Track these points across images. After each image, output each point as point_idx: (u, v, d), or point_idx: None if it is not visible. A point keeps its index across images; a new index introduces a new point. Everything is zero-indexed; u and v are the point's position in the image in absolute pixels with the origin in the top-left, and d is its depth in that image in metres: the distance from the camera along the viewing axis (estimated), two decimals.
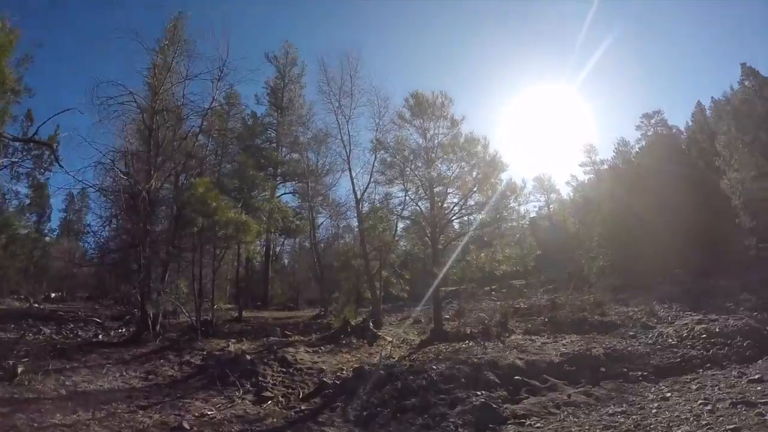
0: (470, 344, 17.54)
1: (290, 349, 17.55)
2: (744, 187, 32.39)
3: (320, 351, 18.06)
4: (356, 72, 25.76)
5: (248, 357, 16.37)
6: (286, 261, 57.12)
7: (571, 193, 59.96)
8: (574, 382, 12.81)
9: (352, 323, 21.94)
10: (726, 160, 36.26)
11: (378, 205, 24.42)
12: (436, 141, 21.23)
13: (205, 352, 18.15)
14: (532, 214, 53.69)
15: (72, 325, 23.18)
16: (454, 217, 21.72)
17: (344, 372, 14.96)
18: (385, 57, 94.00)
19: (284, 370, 15.28)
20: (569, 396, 11.64)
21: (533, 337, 18.55)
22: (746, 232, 31.15)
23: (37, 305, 29.28)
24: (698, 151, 44.14)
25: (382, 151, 22.74)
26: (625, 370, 13.67)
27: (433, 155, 21.25)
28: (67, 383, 13.69)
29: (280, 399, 13.18)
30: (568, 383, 12.73)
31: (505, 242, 21.20)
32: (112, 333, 22.55)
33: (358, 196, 25.32)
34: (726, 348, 14.89)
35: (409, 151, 21.67)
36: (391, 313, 30.08)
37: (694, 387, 11.77)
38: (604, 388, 12.32)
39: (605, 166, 53.38)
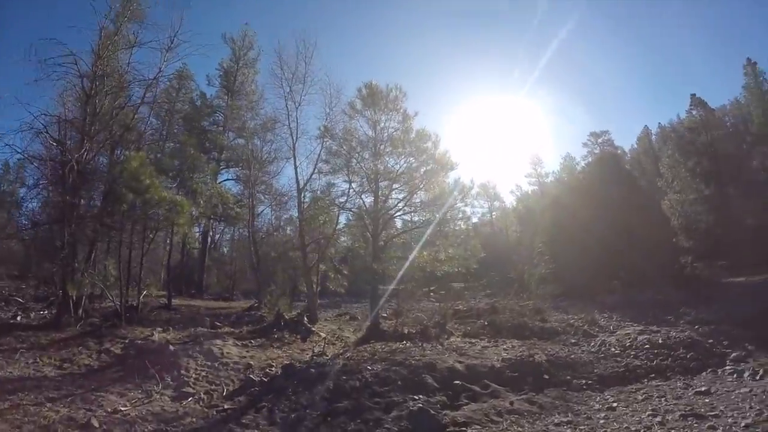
0: (408, 345, 17.00)
1: (218, 342, 16.58)
2: (683, 209, 34.01)
3: (250, 345, 17.19)
4: (311, 58, 24.54)
5: (172, 348, 15.34)
6: (225, 250, 55.73)
7: (515, 203, 61.37)
8: (517, 389, 12.36)
9: (286, 317, 21.07)
10: (668, 181, 38.34)
11: (320, 194, 23.26)
12: (386, 134, 20.59)
13: (127, 341, 16.97)
14: (475, 220, 54.30)
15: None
16: (397, 214, 21.07)
17: (273, 369, 14.17)
18: (341, 52, 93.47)
19: (209, 364, 14.34)
20: (512, 403, 11.16)
21: (473, 340, 18.14)
22: (683, 251, 32.51)
23: None
24: (641, 171, 46.12)
25: (329, 140, 21.81)
26: (569, 377, 13.40)
27: (381, 147, 20.58)
28: None
29: (202, 396, 12.28)
30: (510, 390, 12.27)
31: (448, 243, 20.62)
32: (33, 315, 20.93)
33: (301, 186, 24.40)
34: (669, 359, 14.85)
35: (356, 141, 20.92)
36: (327, 309, 29.41)
37: (640, 397, 11.59)
38: (547, 395, 11.93)
39: (550, 179, 54.88)
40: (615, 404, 11.12)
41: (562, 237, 28.76)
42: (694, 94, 41.05)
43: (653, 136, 61.13)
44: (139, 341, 16.77)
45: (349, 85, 50.12)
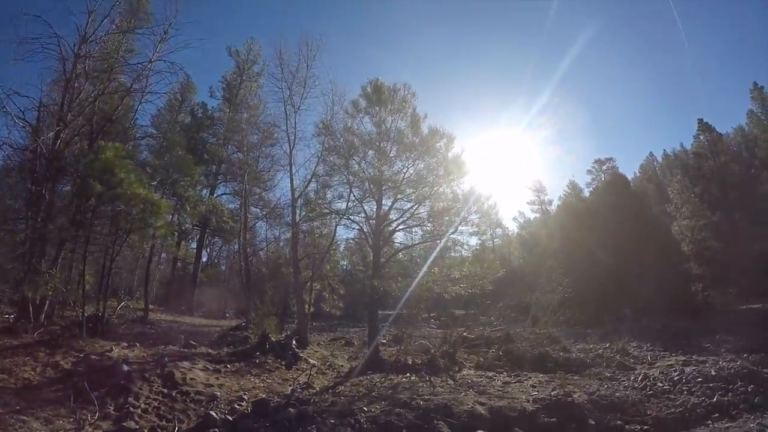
0: (413, 378, 14.03)
1: (185, 364, 13.48)
2: (693, 235, 32.76)
3: (224, 370, 14.09)
4: (314, 60, 22.39)
5: (126, 368, 12.22)
6: (223, 267, 53.17)
7: (517, 230, 58.95)
8: None
9: (273, 339, 17.93)
10: (677, 207, 36.72)
11: (315, 197, 19.91)
12: (392, 134, 17.58)
13: (82, 355, 13.97)
14: (476, 247, 51.66)
15: None
16: (400, 227, 17.88)
17: (243, 403, 11.01)
18: (344, 59, 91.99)
19: (166, 391, 11.25)
20: None
21: (489, 374, 15.21)
22: (694, 277, 31.22)
23: None
24: (645, 198, 43.92)
25: (328, 138, 18.71)
26: (620, 422, 10.41)
27: (386, 147, 17.56)
28: None
29: None
30: None
31: (459, 260, 17.57)
32: None
33: (296, 195, 21.57)
34: (730, 394, 12.13)
35: (359, 139, 17.83)
36: (321, 332, 26.30)
37: None
38: None
39: (553, 207, 52.87)
40: None
41: (569, 263, 26.19)
42: (701, 119, 40.18)
43: (656, 163, 58.60)
44: (95, 356, 13.73)
45: (352, 90, 48.05)
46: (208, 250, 48.48)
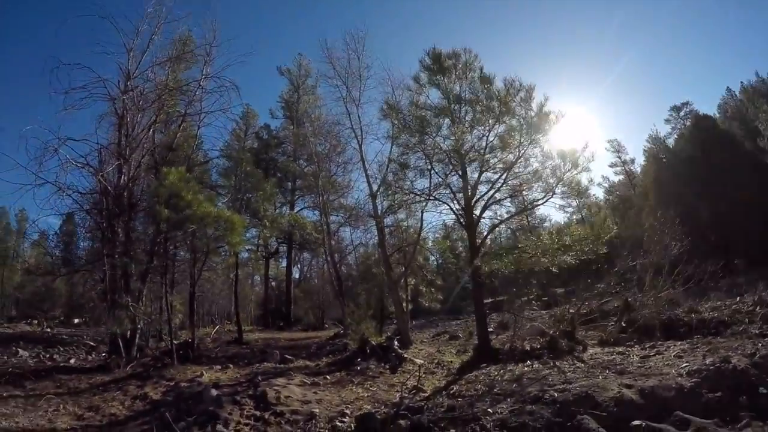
0: (536, 366, 11.77)
1: (280, 381, 11.96)
2: None
3: (323, 382, 12.45)
4: (363, 51, 21.38)
5: (214, 392, 10.77)
6: (315, 280, 52.70)
7: (603, 195, 54.37)
8: (734, 419, 6.85)
9: (373, 342, 16.21)
10: None
11: (393, 179, 17.68)
12: (463, 101, 15.16)
13: (172, 383, 12.97)
14: (563, 220, 48.42)
15: (60, 348, 19.32)
16: (492, 198, 15.38)
17: (346, 419, 9.17)
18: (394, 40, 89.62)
19: (258, 414, 9.62)
20: None
21: (618, 349, 12.71)
22: None
23: (49, 330, 25.58)
24: (735, 134, 38.96)
25: (396, 118, 16.54)
26: None
27: (460, 114, 15.30)
28: None
29: None
30: (722, 422, 6.75)
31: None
32: (91, 357, 18.17)
33: (374, 190, 19.82)
34: None
35: (429, 112, 15.65)
36: (423, 329, 24.35)
37: None
38: None
39: (636, 166, 48.75)
40: None
41: (670, 220, 22.94)
42: None
43: (736, 99, 52.21)
44: (184, 384, 12.57)
45: (411, 68, 46.12)
46: (298, 266, 48.43)
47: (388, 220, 20.64)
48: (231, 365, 15.07)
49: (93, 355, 18.19)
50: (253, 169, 24.16)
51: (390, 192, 17.35)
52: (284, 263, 43.92)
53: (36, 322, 29.98)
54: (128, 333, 16.29)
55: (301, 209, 40.44)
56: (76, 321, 31.75)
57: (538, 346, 14.23)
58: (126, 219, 17.48)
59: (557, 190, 14.43)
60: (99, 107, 18.35)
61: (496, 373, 11.65)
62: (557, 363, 11.70)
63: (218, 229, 16.20)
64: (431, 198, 15.96)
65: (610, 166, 52.89)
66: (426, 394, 10.78)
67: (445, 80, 15.43)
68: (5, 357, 16.99)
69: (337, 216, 32.40)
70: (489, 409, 8.09)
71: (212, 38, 20.29)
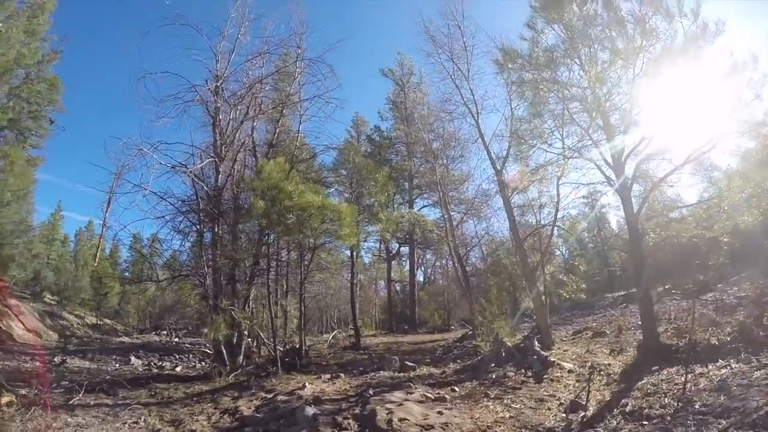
0: (736, 366, 8.18)
1: (396, 395, 9.22)
2: None
3: (449, 396, 9.51)
4: (463, 18, 18.05)
5: (311, 411, 8.28)
6: (440, 281, 50.08)
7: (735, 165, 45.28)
8: None
9: (508, 344, 12.98)
10: None
11: (521, 132, 14.00)
12: (594, 35, 11.41)
13: (271, 395, 10.84)
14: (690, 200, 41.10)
15: (175, 356, 19.30)
16: (644, 154, 11.33)
17: None
18: None
19: None
20: None
21: None
22: None
23: (177, 339, 25.23)
24: None
25: (514, 65, 13.09)
26: None
27: (592, 51, 11.54)
28: (54, 424, 8.54)
29: None
30: None
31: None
32: (201, 365, 17.26)
33: (498, 167, 16.56)
34: None
35: (556, 53, 11.96)
36: (556, 328, 20.46)
37: None
38: None
39: None
40: None
41: None
42: None
43: None
44: (283, 396, 10.28)
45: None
46: (422, 268, 46.18)
47: (517, 199, 17.26)
48: (342, 374, 12.65)
49: (203, 364, 16.86)
50: (364, 160, 21.81)
51: (520, 154, 14.01)
52: (407, 266, 41.86)
53: (165, 332, 30.40)
54: (234, 340, 14.57)
55: (421, 208, 38.78)
56: (205, 331, 31.70)
57: (728, 339, 10.25)
58: (229, 221, 15.90)
59: (731, 128, 10.25)
60: (192, 113, 17.21)
61: (681, 378, 8.00)
62: (758, 359, 7.94)
63: (325, 221, 13.88)
64: (571, 155, 12.37)
65: (738, 132, 44.00)
66: (590, 413, 7.48)
67: (564, 16, 11.82)
68: (117, 365, 16.49)
69: (458, 211, 29.62)
70: None
71: (301, 29, 18.39)
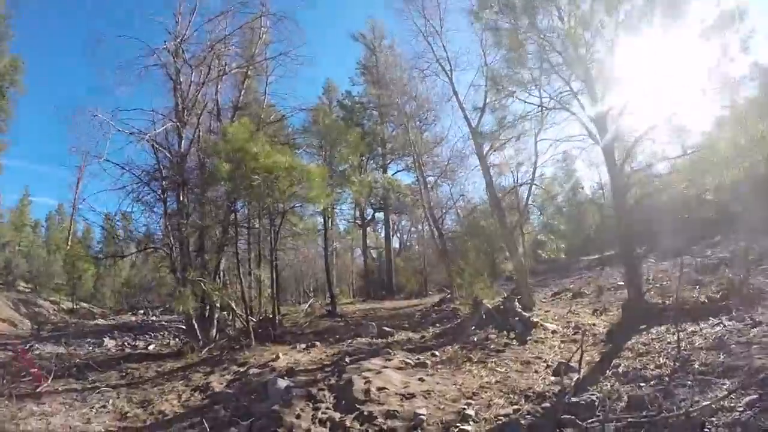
0: (729, 324, 7.91)
1: (374, 363, 8.67)
2: None
3: (430, 362, 8.96)
4: None
5: (283, 384, 7.69)
6: (416, 246, 49.76)
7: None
8: None
9: (488, 305, 12.49)
10: None
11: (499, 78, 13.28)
12: None
13: (243, 369, 10.23)
14: None
15: (150, 335, 18.22)
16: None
17: (470, 426, 5.60)
18: None
19: (338, 417, 6.40)
20: None
21: None
22: None
23: (154, 318, 25.33)
24: None
25: (489, 15, 12.32)
26: None
27: None
28: (20, 414, 8.17)
29: None
30: None
31: None
32: (174, 342, 16.38)
33: (473, 125, 15.86)
34: None
35: None
36: (537, 289, 20.12)
37: None
38: None
39: None
40: None
41: None
42: None
43: None
44: (256, 369, 9.69)
45: None
46: (398, 235, 45.57)
47: (493, 158, 16.58)
48: (318, 343, 12.00)
49: (177, 340, 16.15)
50: (334, 121, 20.76)
51: (497, 106, 13.31)
52: (383, 233, 41.31)
53: (141, 312, 29.43)
54: (207, 313, 13.83)
55: (395, 173, 37.40)
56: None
57: (718, 296, 9.93)
58: (196, 189, 14.95)
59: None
60: (153, 79, 15.88)
61: (672, 337, 7.60)
62: (752, 316, 7.63)
63: (293, 183, 13.02)
64: (552, 106, 11.72)
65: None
66: (581, 376, 7.02)
67: None
68: (90, 348, 15.65)
69: (433, 174, 28.92)
70: (700, 400, 4.28)
71: None
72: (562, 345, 9.48)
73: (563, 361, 7.71)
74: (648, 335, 8.51)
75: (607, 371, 7.12)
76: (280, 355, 10.38)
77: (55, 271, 32.70)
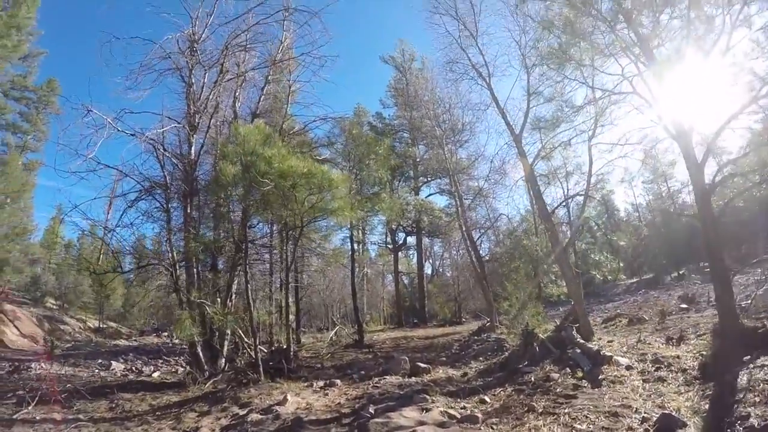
0: None
1: (407, 415, 6.55)
2: None
3: (481, 413, 6.74)
4: None
5: None
6: (448, 273, 47.63)
7: None
8: None
9: (541, 336, 10.14)
10: None
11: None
12: None
13: (243, 412, 8.15)
14: None
15: (163, 360, 17.57)
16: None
17: None
18: None
19: None
20: None
21: None
22: None
23: (178, 341, 23.42)
24: None
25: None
26: None
27: None
28: None
29: None
30: None
31: None
32: (182, 369, 14.61)
33: (516, 132, 13.73)
34: None
35: None
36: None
37: None
38: None
39: None
40: None
41: None
42: None
43: None
44: (257, 414, 7.64)
45: None
46: (430, 261, 43.60)
47: (540, 166, 14.42)
48: (339, 381, 9.87)
49: (185, 369, 14.32)
50: (361, 131, 18.90)
51: (553, 93, 11.18)
52: (414, 258, 39.42)
53: (165, 334, 28.65)
54: (216, 340, 11.86)
55: (428, 196, 36.88)
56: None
57: None
58: (207, 200, 13.21)
59: None
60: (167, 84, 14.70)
61: None
62: None
63: (313, 193, 11.02)
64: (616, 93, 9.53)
65: None
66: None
67: None
68: (96, 370, 14.68)
69: (468, 195, 26.85)
70: None
71: None
72: (647, 386, 7.07)
73: (665, 411, 5.40)
74: (752, 368, 6.14)
75: (736, 424, 4.80)
76: (289, 396, 8.20)
77: (84, 289, 32.68)
